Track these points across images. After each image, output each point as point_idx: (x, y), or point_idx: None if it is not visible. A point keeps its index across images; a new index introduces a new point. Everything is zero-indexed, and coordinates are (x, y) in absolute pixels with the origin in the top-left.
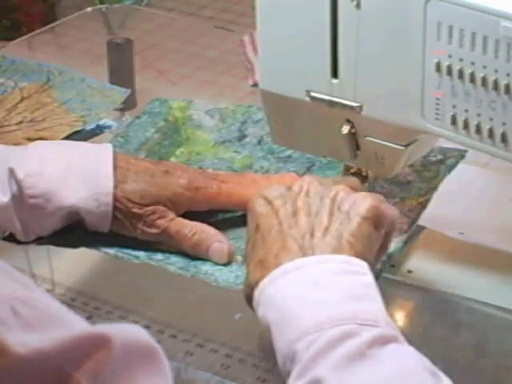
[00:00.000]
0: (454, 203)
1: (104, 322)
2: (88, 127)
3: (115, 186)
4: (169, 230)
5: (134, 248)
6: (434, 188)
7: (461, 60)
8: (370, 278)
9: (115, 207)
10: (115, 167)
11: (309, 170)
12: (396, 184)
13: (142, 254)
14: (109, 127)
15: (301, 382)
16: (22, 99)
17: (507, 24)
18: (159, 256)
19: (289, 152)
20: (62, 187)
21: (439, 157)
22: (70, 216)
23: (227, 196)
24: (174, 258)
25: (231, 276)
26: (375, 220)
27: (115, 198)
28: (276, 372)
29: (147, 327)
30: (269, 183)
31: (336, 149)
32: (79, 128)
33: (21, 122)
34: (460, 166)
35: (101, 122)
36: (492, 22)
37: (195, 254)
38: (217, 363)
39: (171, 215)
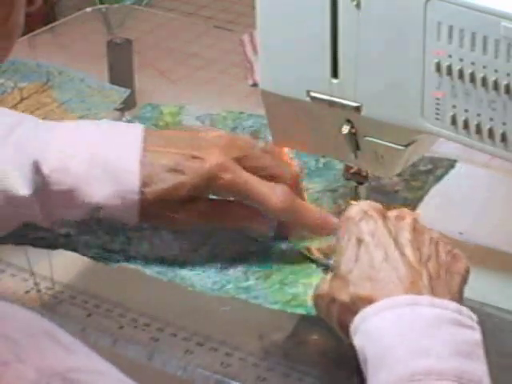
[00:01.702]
0: (454, 203)
1: (104, 320)
2: None
3: (140, 192)
4: (237, 185)
5: (113, 251)
6: (420, 199)
7: (461, 60)
8: (479, 335)
9: (143, 207)
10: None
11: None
12: (382, 193)
13: (120, 257)
14: None
15: None
16: (22, 99)
17: (507, 24)
18: (137, 260)
19: None
20: (87, 184)
21: (429, 166)
22: (95, 211)
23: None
24: (151, 262)
25: (209, 282)
26: (467, 279)
27: (143, 200)
28: (276, 371)
29: (147, 325)
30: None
31: (336, 149)
32: None
33: None
34: (460, 165)
35: None
36: (492, 21)
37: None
38: (217, 362)
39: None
